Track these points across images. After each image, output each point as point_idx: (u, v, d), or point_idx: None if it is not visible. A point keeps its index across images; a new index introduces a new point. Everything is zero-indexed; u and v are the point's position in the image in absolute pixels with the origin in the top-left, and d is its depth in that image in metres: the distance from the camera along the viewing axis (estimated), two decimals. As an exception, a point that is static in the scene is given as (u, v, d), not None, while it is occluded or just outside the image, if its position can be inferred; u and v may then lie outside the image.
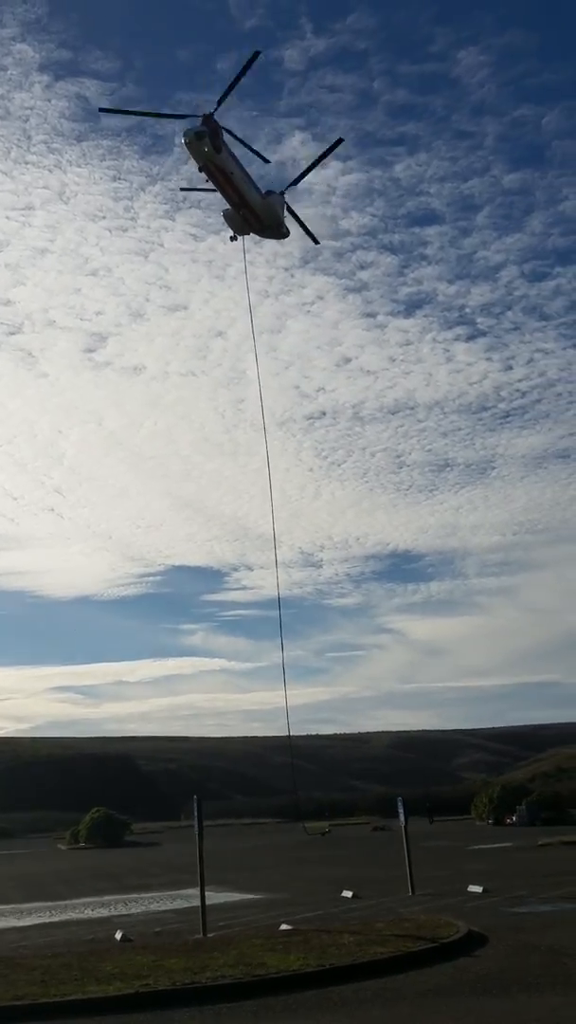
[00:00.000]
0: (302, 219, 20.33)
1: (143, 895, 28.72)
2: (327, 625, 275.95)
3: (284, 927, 18.54)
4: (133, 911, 24.71)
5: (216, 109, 17.11)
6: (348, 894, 24.63)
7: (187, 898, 25.99)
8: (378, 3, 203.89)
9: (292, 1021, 11.49)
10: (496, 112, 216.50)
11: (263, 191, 19.45)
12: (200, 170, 17.59)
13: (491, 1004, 11.80)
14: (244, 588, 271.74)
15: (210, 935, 18.17)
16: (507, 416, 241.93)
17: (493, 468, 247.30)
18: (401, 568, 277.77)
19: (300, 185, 20.11)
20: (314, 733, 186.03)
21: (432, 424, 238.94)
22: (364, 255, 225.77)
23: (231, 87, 16.92)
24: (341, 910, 21.83)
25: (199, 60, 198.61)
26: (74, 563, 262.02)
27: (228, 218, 19.31)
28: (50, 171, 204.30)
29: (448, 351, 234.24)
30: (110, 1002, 12.58)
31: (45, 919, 23.96)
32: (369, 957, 14.58)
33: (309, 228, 20.51)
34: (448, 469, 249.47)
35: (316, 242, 21.52)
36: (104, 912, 24.87)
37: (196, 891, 20.20)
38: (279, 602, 20.98)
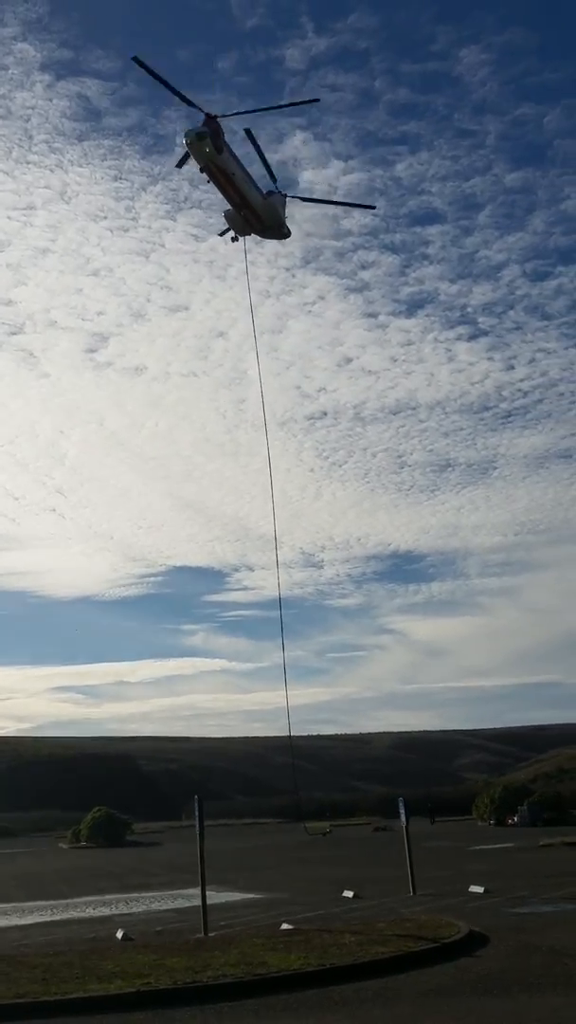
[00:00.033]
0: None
1: (144, 894, 28.76)
2: (328, 626, 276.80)
3: (285, 927, 18.56)
4: (134, 910, 24.75)
5: (220, 116, 17.09)
6: (349, 894, 24.65)
7: (188, 897, 26.01)
8: (379, 2, 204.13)
9: (293, 1020, 11.51)
10: (497, 111, 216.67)
11: (264, 191, 19.45)
12: (201, 171, 17.59)
13: (492, 1004, 11.81)
14: (245, 589, 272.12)
15: (211, 934, 18.20)
16: (509, 416, 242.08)
17: (495, 468, 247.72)
18: (402, 568, 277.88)
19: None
20: (315, 733, 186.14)
21: (433, 424, 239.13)
22: (365, 255, 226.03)
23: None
24: (342, 910, 21.85)
25: (200, 60, 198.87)
26: (75, 563, 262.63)
27: (229, 219, 19.30)
28: (51, 171, 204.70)
29: (450, 351, 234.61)
30: (111, 1000, 12.60)
31: (47, 918, 23.99)
32: (370, 957, 14.58)
33: (355, 202, 20.20)
34: (449, 469, 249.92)
35: (372, 207, 21.11)
36: (105, 911, 24.90)
37: (197, 890, 20.22)
38: (280, 602, 20.97)
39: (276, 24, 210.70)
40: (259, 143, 18.26)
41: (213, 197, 18.96)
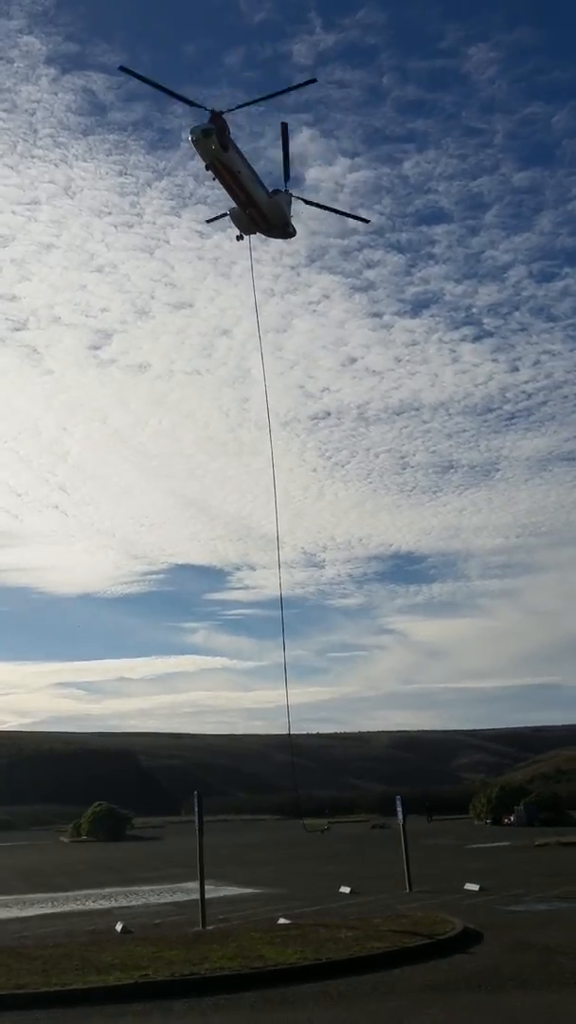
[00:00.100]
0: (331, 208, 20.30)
1: (144, 888, 28.92)
2: (329, 625, 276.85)
3: (282, 921, 18.72)
4: (134, 903, 24.91)
5: (225, 111, 17.16)
6: (346, 890, 24.82)
7: (187, 891, 26.16)
8: None
9: (289, 1013, 11.66)
10: (506, 109, 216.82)
11: (270, 189, 19.49)
12: (207, 168, 17.62)
13: (485, 1000, 11.96)
14: (246, 587, 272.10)
15: (209, 928, 18.36)
16: (512, 418, 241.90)
17: (497, 470, 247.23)
18: (403, 569, 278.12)
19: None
20: (315, 732, 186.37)
21: (437, 425, 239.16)
22: (371, 254, 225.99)
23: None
24: (339, 905, 22.00)
25: (206, 55, 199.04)
26: (78, 560, 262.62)
27: (234, 217, 19.34)
28: (56, 165, 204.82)
29: (454, 352, 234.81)
30: (110, 992, 12.76)
31: (47, 910, 24.16)
32: (366, 952, 14.75)
33: (348, 212, 20.40)
34: (452, 471, 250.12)
35: (366, 221, 21.33)
36: (105, 904, 25.06)
37: (196, 885, 20.38)
38: (281, 602, 21.13)
39: (284, 19, 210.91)
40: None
41: (218, 193, 19.03)
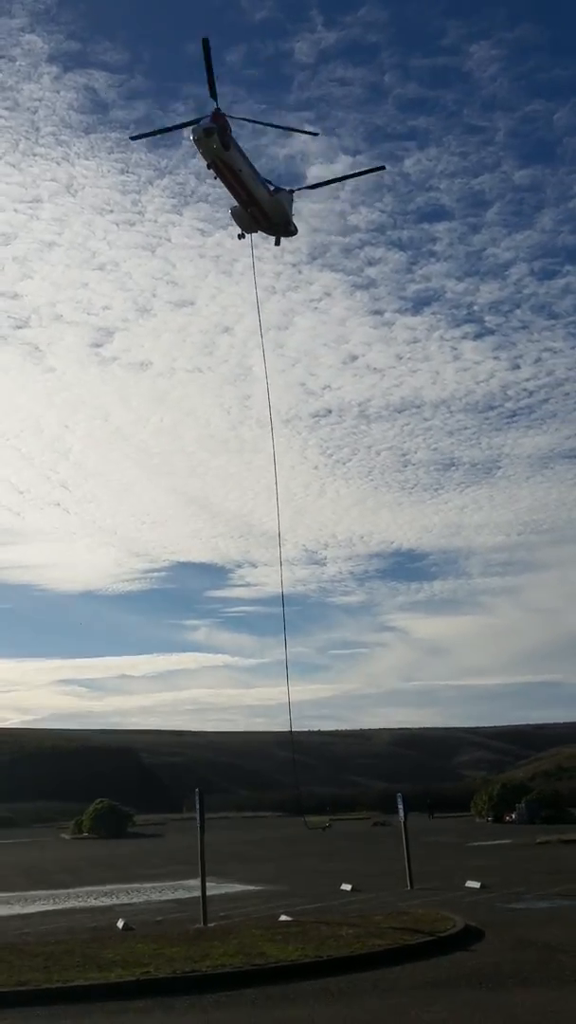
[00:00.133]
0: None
1: (145, 885, 28.99)
2: (330, 623, 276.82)
3: (284, 918, 18.77)
4: (135, 900, 24.97)
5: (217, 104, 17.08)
6: (347, 887, 24.86)
7: (188, 888, 26.21)
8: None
9: (290, 1010, 11.69)
10: (507, 107, 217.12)
11: (271, 188, 19.48)
12: (208, 167, 17.61)
13: (486, 997, 11.98)
14: (248, 585, 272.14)
15: (211, 925, 18.40)
16: (514, 415, 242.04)
17: (499, 468, 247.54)
18: (405, 567, 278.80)
19: (308, 179, 20.23)
20: (316, 729, 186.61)
21: (438, 423, 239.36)
22: (372, 251, 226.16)
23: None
24: (340, 903, 22.03)
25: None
26: (79, 558, 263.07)
27: (236, 215, 19.32)
28: (58, 163, 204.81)
29: (455, 349, 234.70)
30: (111, 988, 12.79)
31: (49, 907, 24.23)
32: (367, 949, 14.77)
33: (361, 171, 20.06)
34: (453, 468, 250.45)
35: (382, 167, 20.91)
36: (106, 901, 25.13)
37: (197, 882, 20.43)
38: (283, 599, 21.13)
39: (285, 17, 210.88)
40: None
41: (220, 191, 19.02)
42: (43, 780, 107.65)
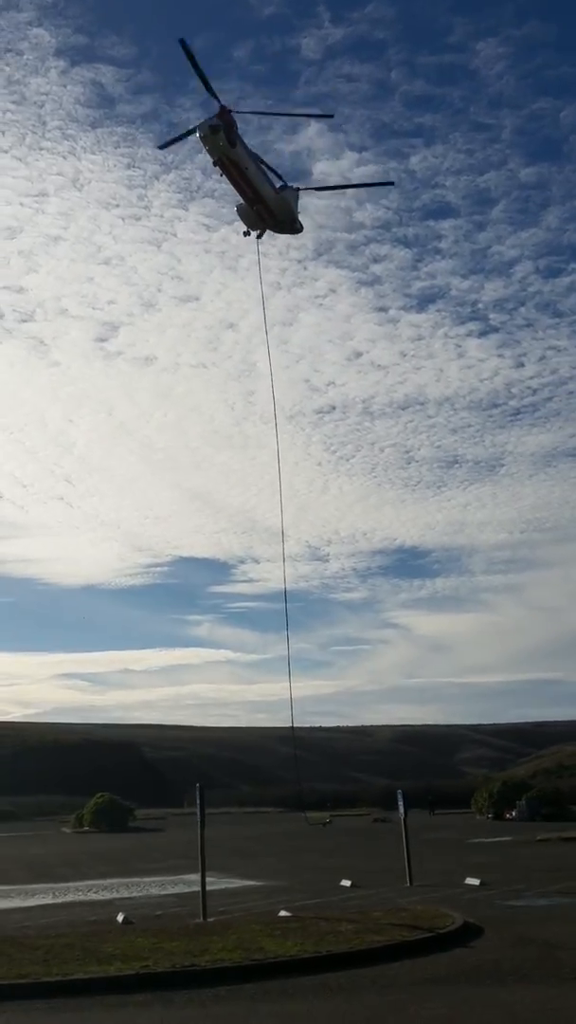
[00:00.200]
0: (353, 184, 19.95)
1: (145, 879, 29.03)
2: (333, 619, 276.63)
3: (283, 914, 18.79)
4: (135, 894, 25.03)
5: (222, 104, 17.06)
6: (347, 883, 24.89)
7: (188, 883, 26.27)
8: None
9: (289, 1005, 11.72)
10: (514, 105, 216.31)
11: (277, 186, 19.47)
12: (214, 164, 17.61)
13: (485, 994, 12.00)
14: (251, 580, 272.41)
15: (210, 919, 18.43)
16: (517, 413, 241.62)
17: (502, 465, 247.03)
18: (407, 564, 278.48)
19: (315, 175, 20.15)
20: (318, 725, 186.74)
21: (442, 420, 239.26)
22: (378, 248, 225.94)
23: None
24: (339, 899, 22.08)
25: (215, 48, 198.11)
26: (82, 552, 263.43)
27: (242, 213, 19.31)
28: (64, 158, 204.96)
29: (460, 347, 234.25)
30: (111, 982, 12.84)
31: (49, 900, 24.30)
32: (366, 945, 14.79)
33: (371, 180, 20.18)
34: (457, 466, 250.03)
35: (391, 183, 20.82)
36: (107, 895, 25.19)
37: (197, 876, 20.46)
38: (285, 595, 21.09)
39: (292, 13, 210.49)
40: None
41: (225, 187, 19.04)
42: (45, 774, 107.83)
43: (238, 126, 17.46)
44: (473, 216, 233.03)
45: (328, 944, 14.83)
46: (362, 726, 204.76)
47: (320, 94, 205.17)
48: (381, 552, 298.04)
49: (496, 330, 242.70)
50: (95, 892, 26.00)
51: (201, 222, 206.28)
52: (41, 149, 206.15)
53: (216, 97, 16.96)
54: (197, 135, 17.07)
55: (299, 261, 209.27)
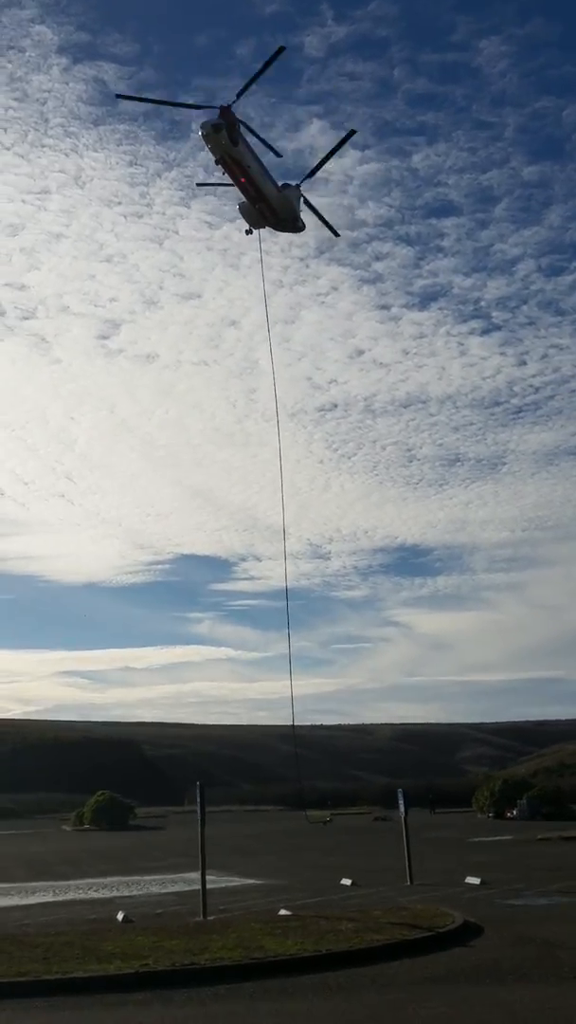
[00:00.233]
0: (320, 212, 20.28)
1: (145, 877, 29.04)
2: (334, 617, 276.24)
3: (283, 912, 18.80)
4: (135, 893, 25.04)
5: (235, 101, 17.13)
6: (347, 882, 24.90)
7: (188, 881, 26.28)
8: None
9: (289, 1004, 11.73)
10: (516, 103, 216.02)
11: (279, 184, 19.46)
12: (216, 163, 17.62)
13: (484, 993, 12.01)
14: (252, 578, 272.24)
15: (210, 918, 18.44)
16: (519, 412, 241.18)
17: (504, 464, 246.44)
18: (409, 562, 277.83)
19: (317, 174, 20.10)
20: (319, 723, 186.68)
21: (444, 418, 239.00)
22: (380, 246, 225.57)
23: (253, 80, 16.96)
24: (340, 897, 22.09)
25: (217, 46, 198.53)
26: (83, 549, 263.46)
27: (244, 211, 19.32)
28: (66, 155, 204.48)
29: (462, 345, 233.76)
30: (111, 981, 12.85)
31: (49, 898, 24.31)
32: (366, 944, 14.81)
33: (328, 221, 20.41)
34: (459, 464, 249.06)
35: (336, 234, 21.32)
36: (106, 893, 25.20)
37: (197, 875, 20.47)
38: (287, 593, 21.09)
39: (295, 10, 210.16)
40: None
41: (227, 185, 19.05)
42: (45, 771, 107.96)
43: (239, 125, 17.49)
44: (475, 214, 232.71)
45: (328, 943, 14.84)
46: (363, 724, 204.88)
47: (323, 92, 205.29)
48: (382, 550, 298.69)
49: (498, 328, 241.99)
50: (95, 890, 26.02)
51: (203, 219, 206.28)
52: (43, 146, 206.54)
53: (210, 107, 17.03)
54: (200, 133, 17.12)
55: (301, 259, 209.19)
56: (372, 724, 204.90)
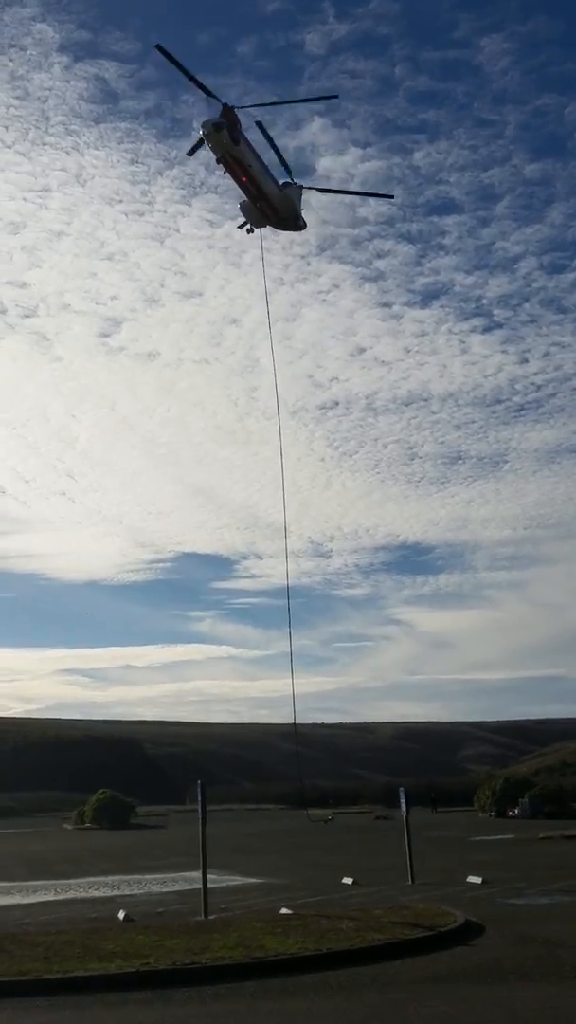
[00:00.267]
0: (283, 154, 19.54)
1: (146, 876, 29.03)
2: (335, 615, 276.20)
3: (284, 911, 18.77)
4: (136, 892, 25.03)
5: (242, 107, 17.08)
6: (348, 881, 24.88)
7: (189, 880, 26.25)
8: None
9: (289, 1003, 11.70)
10: (518, 101, 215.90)
11: (280, 182, 19.43)
12: (217, 162, 17.58)
13: (485, 992, 11.98)
14: (253, 576, 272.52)
15: (211, 917, 18.42)
16: (521, 410, 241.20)
17: (506, 462, 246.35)
18: (410, 560, 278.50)
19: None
20: (320, 722, 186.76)
21: (445, 416, 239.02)
22: (381, 244, 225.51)
23: (283, 102, 16.92)
24: (341, 896, 22.07)
25: (219, 44, 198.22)
26: (84, 547, 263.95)
27: (245, 210, 19.29)
28: (68, 153, 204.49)
29: (464, 343, 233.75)
30: (111, 980, 12.82)
31: (50, 897, 24.29)
32: (367, 943, 14.78)
33: (287, 162, 19.61)
34: (460, 462, 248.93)
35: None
36: (107, 892, 25.18)
37: (198, 874, 20.43)
38: (288, 591, 21.07)
39: (297, 8, 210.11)
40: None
41: (229, 183, 19.00)
42: (46, 770, 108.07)
43: (241, 124, 17.47)
44: (477, 212, 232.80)
45: (329, 942, 14.82)
46: (364, 723, 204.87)
47: (324, 89, 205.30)
48: (384, 548, 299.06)
49: (500, 326, 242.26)
50: (96, 889, 26.00)
51: (204, 218, 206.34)
52: (44, 145, 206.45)
53: (216, 97, 16.99)
54: (201, 132, 17.08)
55: (302, 257, 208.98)
56: (373, 722, 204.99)
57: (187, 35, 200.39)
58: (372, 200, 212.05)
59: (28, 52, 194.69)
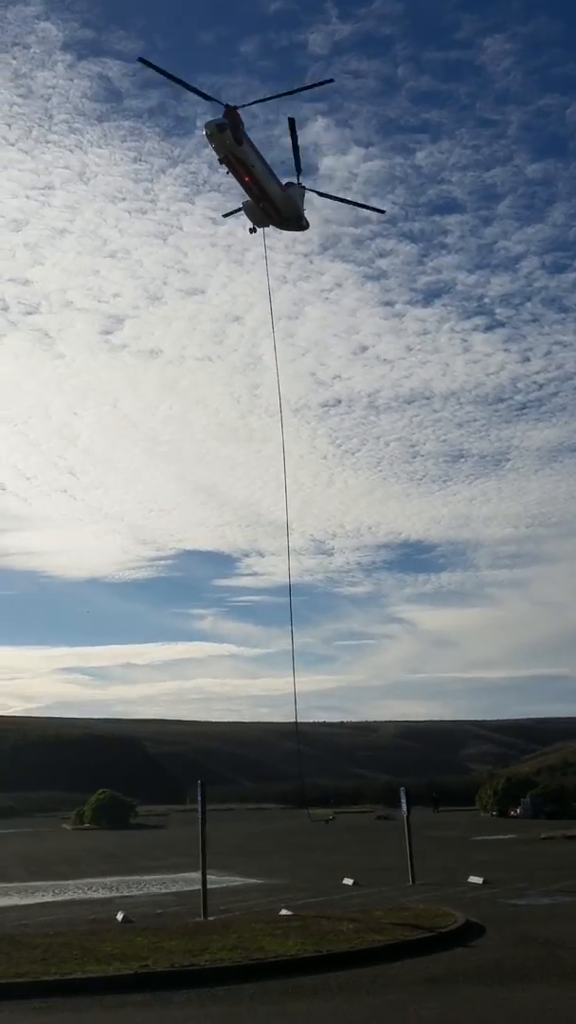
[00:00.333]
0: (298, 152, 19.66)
1: (145, 877, 28.96)
2: (337, 613, 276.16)
3: (284, 912, 18.70)
4: (135, 893, 24.94)
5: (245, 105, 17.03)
6: (349, 882, 24.80)
7: (189, 881, 26.18)
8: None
9: (289, 1005, 11.63)
10: (520, 101, 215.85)
11: (283, 182, 19.39)
12: (220, 162, 17.55)
13: (486, 993, 11.92)
14: (255, 574, 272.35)
15: (210, 918, 18.35)
16: (523, 408, 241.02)
17: (508, 460, 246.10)
18: (412, 558, 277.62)
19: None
20: (321, 720, 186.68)
21: (447, 415, 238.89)
22: (384, 243, 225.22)
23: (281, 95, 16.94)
24: (341, 897, 22.00)
25: (222, 43, 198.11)
26: (86, 545, 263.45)
27: (248, 210, 19.27)
28: (71, 151, 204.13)
29: (466, 341, 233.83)
30: (109, 982, 12.75)
31: (48, 898, 24.21)
32: (367, 944, 14.71)
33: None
34: (462, 460, 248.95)
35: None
36: (106, 893, 25.10)
37: (198, 874, 20.37)
38: (290, 589, 21.06)
39: (300, 8, 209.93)
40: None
41: (231, 182, 18.94)
42: (45, 769, 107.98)
43: (244, 124, 17.41)
44: (479, 211, 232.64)
45: (329, 943, 14.75)
46: (366, 722, 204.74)
47: (326, 90, 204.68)
48: (386, 546, 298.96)
49: (502, 325, 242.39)
50: (95, 890, 25.92)
51: (207, 215, 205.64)
52: (47, 142, 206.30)
53: (215, 100, 16.96)
54: (204, 132, 17.04)
55: (305, 255, 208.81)
56: (375, 721, 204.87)
57: (190, 34, 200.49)
58: (374, 199, 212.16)
59: (32, 50, 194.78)
